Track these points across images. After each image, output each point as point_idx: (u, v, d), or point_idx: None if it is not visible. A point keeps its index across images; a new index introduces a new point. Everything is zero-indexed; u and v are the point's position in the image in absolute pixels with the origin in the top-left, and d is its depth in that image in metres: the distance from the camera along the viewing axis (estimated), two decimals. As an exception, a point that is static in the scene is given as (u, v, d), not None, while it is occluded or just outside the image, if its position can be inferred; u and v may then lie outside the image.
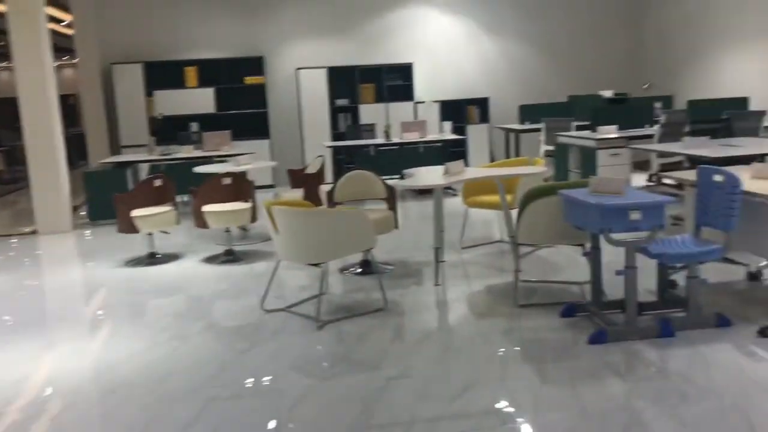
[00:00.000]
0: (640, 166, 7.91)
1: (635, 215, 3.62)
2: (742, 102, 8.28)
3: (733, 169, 4.19)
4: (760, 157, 5.86)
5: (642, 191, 3.90)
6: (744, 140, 6.46)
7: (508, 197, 5.56)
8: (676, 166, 7.65)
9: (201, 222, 6.03)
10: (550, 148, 8.80)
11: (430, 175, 5.12)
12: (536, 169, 5.16)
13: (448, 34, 11.44)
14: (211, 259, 6.27)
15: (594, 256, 4.17)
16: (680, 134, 7.31)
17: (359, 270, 5.54)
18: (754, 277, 4.73)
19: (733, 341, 3.69)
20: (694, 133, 6.80)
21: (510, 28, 11.56)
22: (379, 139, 9.43)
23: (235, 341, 4.17)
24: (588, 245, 4.24)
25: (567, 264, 5.45)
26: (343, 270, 5.62)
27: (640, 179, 8.15)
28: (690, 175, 4.39)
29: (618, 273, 3.77)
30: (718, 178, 3.89)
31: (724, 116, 7.28)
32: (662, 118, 7.98)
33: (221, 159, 8.58)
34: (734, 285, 4.67)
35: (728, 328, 3.87)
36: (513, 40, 11.60)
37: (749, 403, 3.02)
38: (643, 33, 11.75)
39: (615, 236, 3.69)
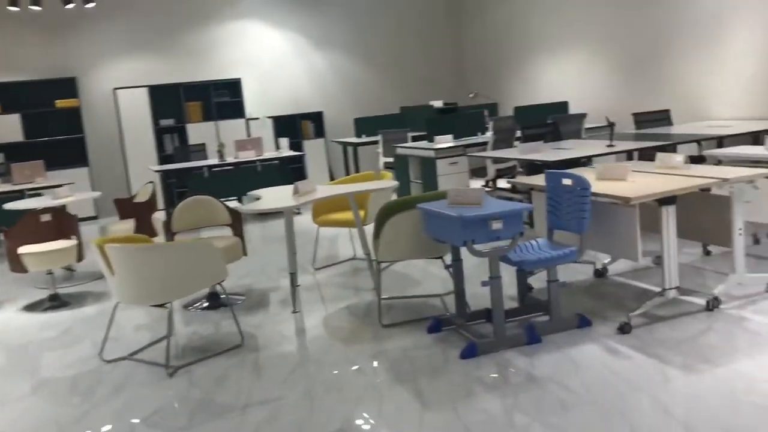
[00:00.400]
0: (477, 172, 8.11)
1: (497, 224, 3.58)
2: (563, 106, 8.78)
3: (576, 171, 4.31)
4: (587, 159, 6.18)
5: (498, 200, 3.88)
6: (571, 142, 6.79)
7: (360, 213, 5.41)
8: (510, 171, 7.93)
9: (18, 266, 5.30)
10: (389, 160, 8.81)
11: (278, 196, 4.84)
12: (387, 183, 5.05)
13: (276, 48, 11.17)
14: (32, 307, 5.54)
15: (456, 268, 4.10)
16: (512, 140, 7.58)
17: (206, 304, 5.13)
18: (600, 274, 4.92)
19: (597, 341, 3.76)
20: (526, 138, 7.05)
21: (338, 42, 11.52)
22: (213, 160, 8.95)
23: (73, 400, 3.63)
24: (448, 258, 4.17)
25: (422, 277, 5.39)
26: (187, 306, 5.17)
27: (476, 186, 8.35)
28: (538, 179, 4.47)
29: (484, 284, 3.71)
30: (566, 181, 3.97)
31: (549, 120, 7.64)
32: (491, 126, 8.26)
33: (35, 192, 7.70)
34: (583, 283, 4.83)
35: (589, 328, 3.94)
36: (342, 54, 11.56)
37: (625, 404, 3.05)
38: (463, 43, 12.20)
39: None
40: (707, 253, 5.20)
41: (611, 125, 5.94)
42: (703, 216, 4.37)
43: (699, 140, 6.44)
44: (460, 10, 12.13)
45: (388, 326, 4.33)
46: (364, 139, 9.89)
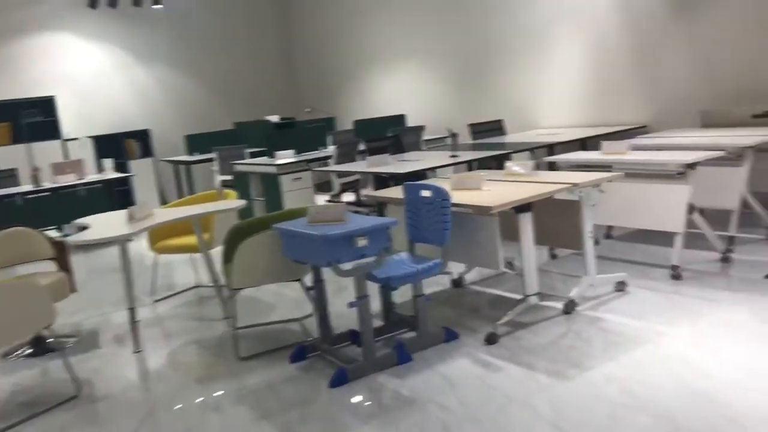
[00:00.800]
0: (321, 187, 7.93)
1: (362, 241, 3.39)
2: (401, 119, 8.84)
3: (431, 183, 4.24)
4: (432, 170, 6.20)
5: (360, 215, 3.70)
6: (415, 154, 6.80)
7: (205, 236, 5.01)
8: (354, 185, 7.83)
9: None
10: (227, 178, 8.39)
11: (110, 224, 4.33)
12: (233, 203, 4.70)
13: (94, 63, 10.32)
14: None
15: (318, 290, 3.86)
16: (354, 153, 7.48)
17: (30, 350, 4.48)
18: (458, 283, 4.90)
19: (466, 354, 3.68)
20: (371, 151, 6.98)
21: (164, 56, 10.87)
22: (26, 186, 8.02)
23: None
24: (307, 279, 3.93)
25: (276, 301, 5.08)
26: (7, 354, 4.50)
27: (321, 200, 8.17)
28: (393, 192, 4.35)
29: (351, 305, 3.50)
30: (426, 193, 3.88)
31: (390, 133, 7.63)
32: (330, 139, 8.12)
33: None
34: (442, 294, 4.77)
35: (457, 341, 3.86)
36: (169, 68, 10.93)
37: (506, 417, 2.96)
38: (296, 57, 12.01)
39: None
40: (553, 256, 5.37)
41: (454, 136, 5.99)
42: (551, 220, 4.48)
43: (532, 148, 6.69)
44: (291, 23, 11.94)
45: (247, 359, 3.99)
46: (197, 157, 9.37)
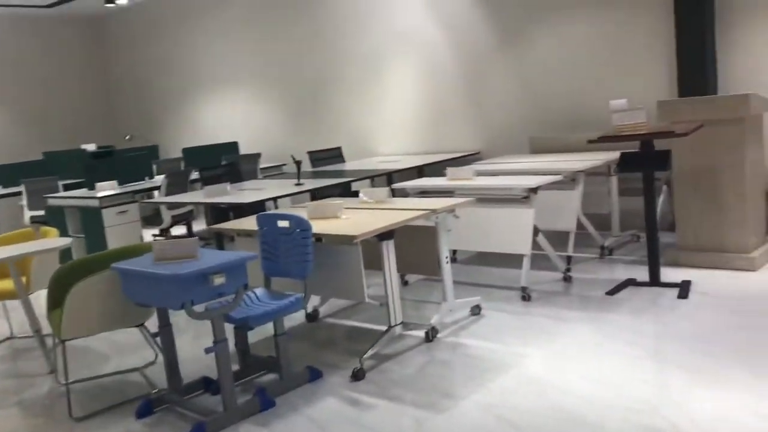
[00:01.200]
0: (149, 220, 7.36)
1: (219, 279, 3.08)
2: (233, 146, 8.48)
3: (293, 212, 4.01)
4: (274, 200, 5.95)
5: (214, 251, 3.38)
6: (254, 183, 6.51)
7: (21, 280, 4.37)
8: (186, 216, 7.35)
9: None
10: (38, 213, 7.54)
11: None
12: (57, 241, 4.15)
13: None
14: None
15: (165, 335, 3.47)
16: (186, 183, 7.02)
17: None
18: (312, 317, 4.67)
19: (333, 393, 3.46)
20: (205, 181, 6.57)
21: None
22: None
23: None
24: (151, 323, 3.52)
25: (109, 349, 4.54)
26: None
27: (149, 235, 7.59)
28: (245, 223, 4.06)
29: (208, 350, 3.16)
30: (283, 223, 3.64)
31: (224, 162, 7.27)
32: (157, 169, 7.61)
33: None
34: (298, 330, 4.52)
35: (321, 380, 3.63)
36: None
37: (388, 460, 2.79)
38: (113, 83, 11.21)
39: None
40: (405, 283, 5.31)
41: (298, 163, 5.80)
42: (405, 247, 4.40)
43: (373, 176, 6.66)
44: (107, 48, 11.14)
45: (83, 418, 3.47)
46: (1, 191, 8.37)
